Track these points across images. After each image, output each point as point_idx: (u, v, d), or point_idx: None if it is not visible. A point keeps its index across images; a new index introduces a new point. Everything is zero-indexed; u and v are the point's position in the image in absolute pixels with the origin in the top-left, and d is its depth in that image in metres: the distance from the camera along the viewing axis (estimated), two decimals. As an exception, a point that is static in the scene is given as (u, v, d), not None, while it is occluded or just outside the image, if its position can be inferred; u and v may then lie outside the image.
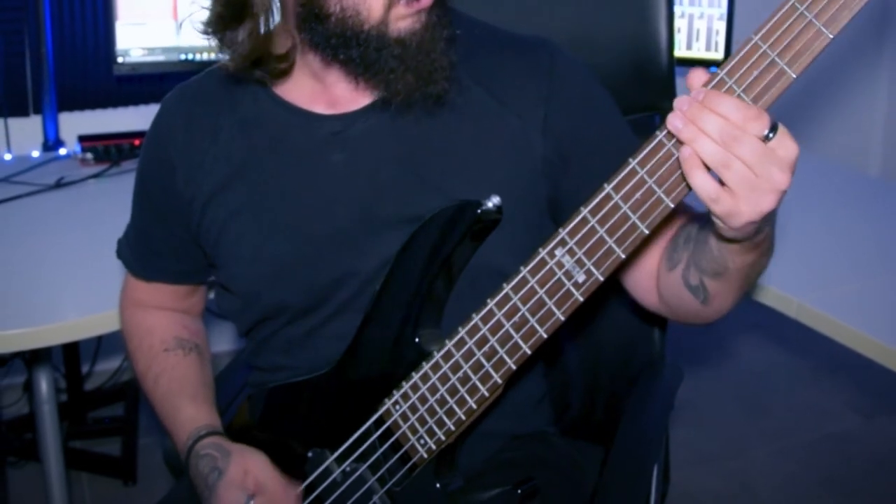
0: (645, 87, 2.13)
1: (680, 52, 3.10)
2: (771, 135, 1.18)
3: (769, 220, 1.27)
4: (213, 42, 1.57)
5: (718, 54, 3.09)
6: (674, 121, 1.21)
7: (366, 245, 1.61)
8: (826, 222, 2.68)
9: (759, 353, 4.24)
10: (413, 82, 1.50)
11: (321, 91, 1.62)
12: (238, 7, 1.51)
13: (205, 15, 1.56)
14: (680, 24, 3.10)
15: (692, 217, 1.52)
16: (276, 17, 1.54)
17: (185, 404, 1.78)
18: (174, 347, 1.85)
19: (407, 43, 1.48)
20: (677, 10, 3.06)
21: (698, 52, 3.12)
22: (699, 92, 1.20)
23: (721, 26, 3.07)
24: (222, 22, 1.54)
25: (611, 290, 1.67)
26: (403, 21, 1.48)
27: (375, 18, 1.47)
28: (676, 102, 1.21)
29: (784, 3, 1.17)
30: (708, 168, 1.20)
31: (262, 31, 1.52)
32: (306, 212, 1.64)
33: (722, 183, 1.20)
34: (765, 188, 1.19)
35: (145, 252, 1.84)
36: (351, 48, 1.49)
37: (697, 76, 1.22)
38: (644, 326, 2.08)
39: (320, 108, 1.63)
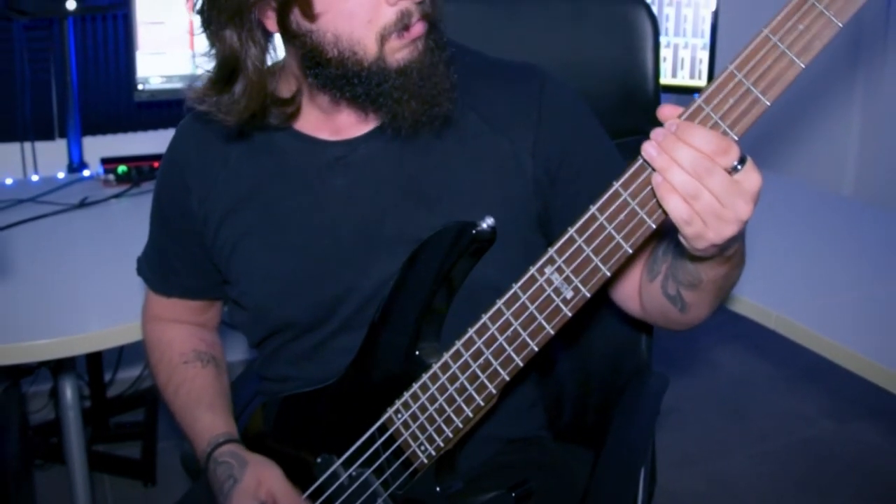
0: (632, 111, 2.13)
1: (665, 79, 3.10)
2: (739, 166, 1.18)
3: (736, 239, 1.27)
4: (211, 105, 1.55)
5: (701, 81, 3.09)
6: (648, 149, 1.21)
7: (367, 264, 1.61)
8: (802, 239, 2.69)
9: (739, 362, 4.24)
10: (418, 108, 1.49)
11: (326, 120, 1.62)
12: (229, 69, 1.50)
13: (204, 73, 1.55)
14: (665, 53, 3.11)
15: (670, 229, 1.52)
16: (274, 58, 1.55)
17: (203, 413, 1.78)
18: (192, 360, 1.85)
19: (408, 72, 1.48)
20: (663, 39, 3.07)
21: (683, 79, 3.13)
22: (672, 123, 1.20)
23: (704, 55, 3.08)
24: (217, 86, 1.53)
25: (600, 303, 1.67)
26: (400, 52, 1.47)
27: (372, 55, 1.46)
28: (653, 133, 1.21)
29: (758, 34, 1.17)
30: None
31: (258, 84, 1.52)
32: (311, 233, 1.64)
33: None
34: (729, 218, 1.20)
35: (164, 269, 1.84)
36: (355, 86, 1.49)
37: (668, 109, 1.23)
38: (632, 337, 2.09)
39: (324, 135, 1.63)
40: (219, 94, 1.53)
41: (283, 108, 1.58)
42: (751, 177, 1.19)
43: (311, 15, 1.44)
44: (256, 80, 1.51)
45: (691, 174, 1.18)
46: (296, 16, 1.46)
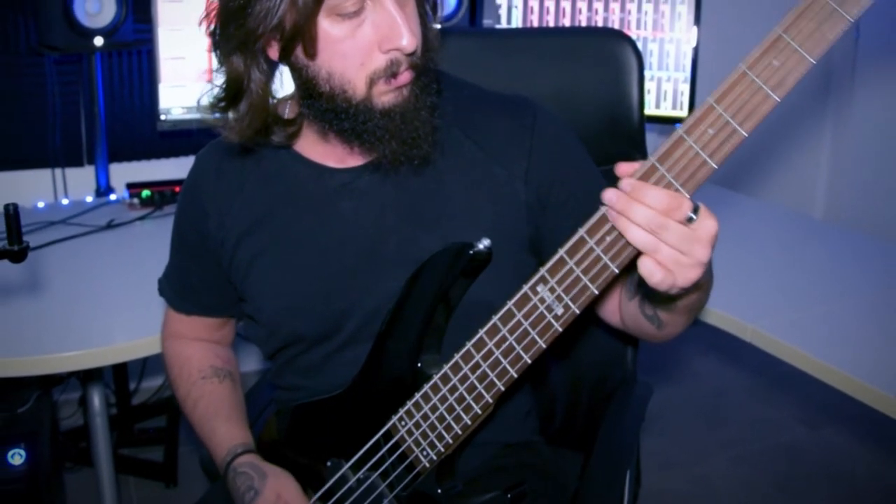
0: (619, 140, 2.13)
1: (650, 110, 3.10)
2: (693, 216, 1.19)
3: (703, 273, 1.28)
4: (219, 119, 1.56)
5: (683, 112, 3.09)
6: (609, 211, 1.23)
7: (371, 282, 1.62)
8: (776, 258, 2.69)
9: (718, 372, 4.23)
10: (398, 148, 1.50)
11: (330, 149, 1.62)
12: (234, 91, 1.51)
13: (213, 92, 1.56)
14: (650, 85, 3.11)
15: None
16: (279, 90, 1.55)
17: (221, 424, 1.78)
18: (210, 375, 1.85)
19: (391, 114, 1.48)
20: (647, 73, 3.07)
21: (665, 110, 3.12)
22: (627, 183, 1.21)
23: (685, 88, 3.08)
24: (224, 104, 1.53)
25: (589, 318, 1.67)
26: (386, 96, 1.48)
27: (360, 95, 1.47)
28: (605, 196, 1.23)
29: (736, 70, 1.18)
30: None
31: (260, 106, 1.52)
32: (320, 253, 1.64)
33: None
34: (690, 264, 1.21)
35: (183, 288, 1.84)
36: (342, 121, 1.50)
37: (625, 167, 1.24)
38: (618, 349, 2.09)
39: (331, 163, 1.64)
40: (224, 111, 1.54)
41: (286, 127, 1.58)
42: (706, 224, 1.20)
43: (311, 53, 1.45)
44: (259, 103, 1.52)
45: (650, 231, 1.19)
46: (297, 52, 1.47)
